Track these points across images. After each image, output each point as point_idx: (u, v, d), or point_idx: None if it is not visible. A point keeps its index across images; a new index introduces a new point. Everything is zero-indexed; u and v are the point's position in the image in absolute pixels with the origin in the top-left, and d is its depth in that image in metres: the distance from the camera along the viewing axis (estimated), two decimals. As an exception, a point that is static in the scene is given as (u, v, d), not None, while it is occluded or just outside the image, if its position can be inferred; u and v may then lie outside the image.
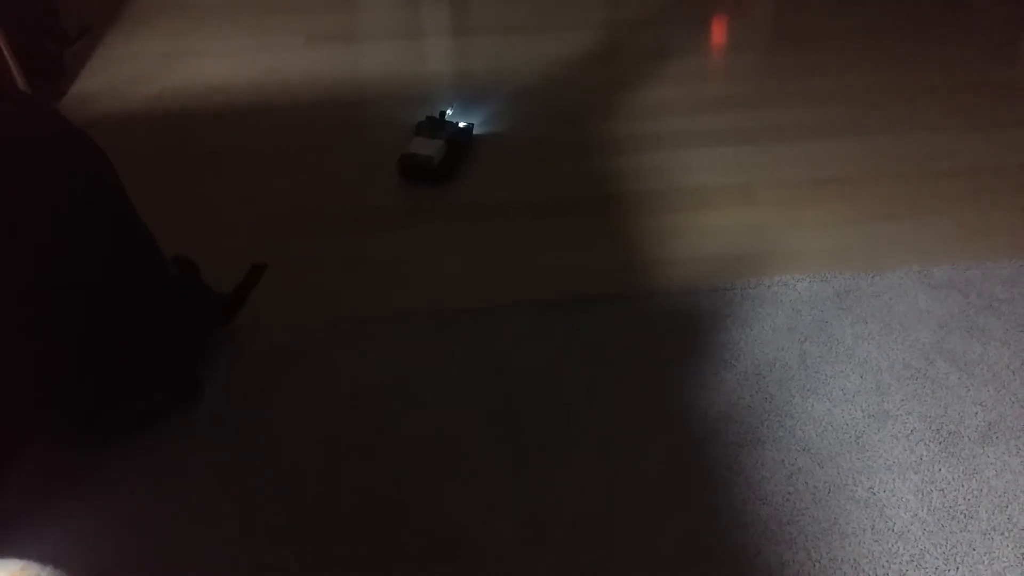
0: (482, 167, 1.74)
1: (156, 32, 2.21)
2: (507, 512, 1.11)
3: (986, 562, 1.06)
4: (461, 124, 1.77)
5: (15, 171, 1.00)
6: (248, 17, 2.28)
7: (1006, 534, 1.09)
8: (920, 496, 1.13)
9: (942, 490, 1.14)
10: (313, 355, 1.32)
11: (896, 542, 1.08)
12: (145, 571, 1.04)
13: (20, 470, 1.12)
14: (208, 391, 1.26)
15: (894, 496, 1.13)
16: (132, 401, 1.19)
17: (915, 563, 1.05)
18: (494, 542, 1.07)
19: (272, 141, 1.82)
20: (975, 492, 1.13)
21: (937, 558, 1.06)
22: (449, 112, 1.78)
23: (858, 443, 1.19)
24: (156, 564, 1.05)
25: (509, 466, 1.16)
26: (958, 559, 1.06)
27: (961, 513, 1.11)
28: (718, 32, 2.27)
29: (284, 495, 1.13)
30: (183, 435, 1.20)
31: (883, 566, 1.05)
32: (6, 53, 1.81)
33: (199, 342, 1.31)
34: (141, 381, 1.19)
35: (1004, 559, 1.06)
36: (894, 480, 1.15)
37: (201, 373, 1.27)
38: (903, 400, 1.25)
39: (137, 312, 1.18)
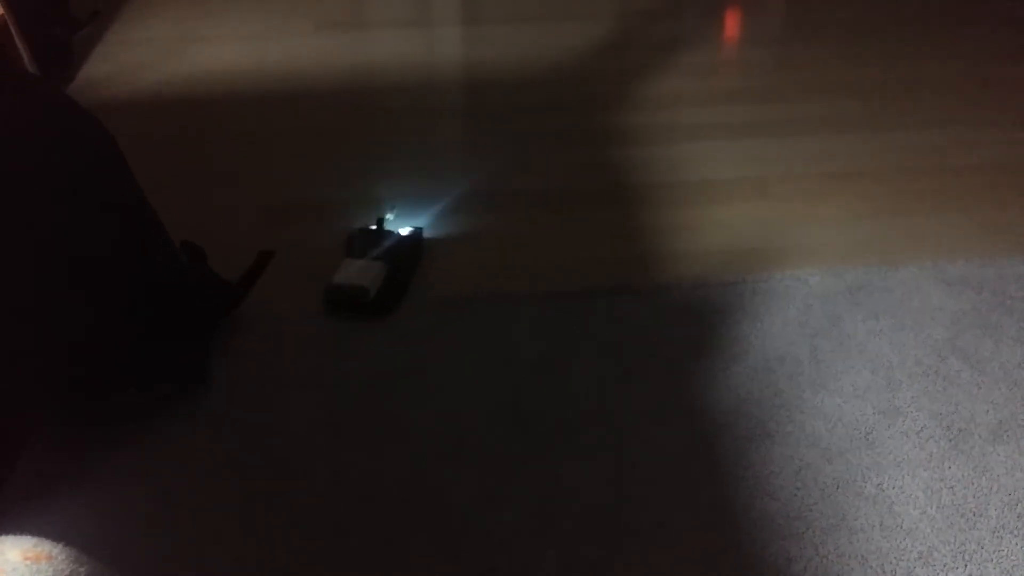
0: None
1: (164, 18, 2.20)
2: (514, 504, 1.10)
3: (995, 560, 1.05)
4: (405, 231, 1.44)
5: (22, 151, 1.00)
6: (256, 3, 2.27)
7: (1016, 532, 1.08)
8: (929, 493, 1.12)
9: (952, 487, 1.13)
10: (320, 344, 1.32)
11: (904, 539, 1.07)
12: (151, 555, 1.04)
13: (27, 455, 1.12)
14: (214, 379, 1.26)
15: (903, 493, 1.12)
16: (138, 390, 1.19)
17: (923, 560, 1.05)
18: (501, 534, 1.07)
19: (280, 128, 1.81)
20: (985, 490, 1.13)
21: (946, 555, 1.05)
22: (390, 217, 1.43)
23: (868, 439, 1.19)
24: (162, 549, 1.05)
25: (517, 458, 1.16)
26: (967, 557, 1.05)
27: (970, 511, 1.10)
28: (731, 24, 2.25)
29: (288, 486, 1.13)
30: (189, 423, 1.20)
31: (891, 563, 1.05)
32: (16, 37, 1.81)
33: (206, 329, 1.31)
34: (147, 368, 1.19)
35: (1013, 557, 1.05)
36: (903, 477, 1.14)
37: (207, 361, 1.27)
38: (914, 397, 1.25)
39: (144, 297, 1.18)
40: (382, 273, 1.37)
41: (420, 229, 1.47)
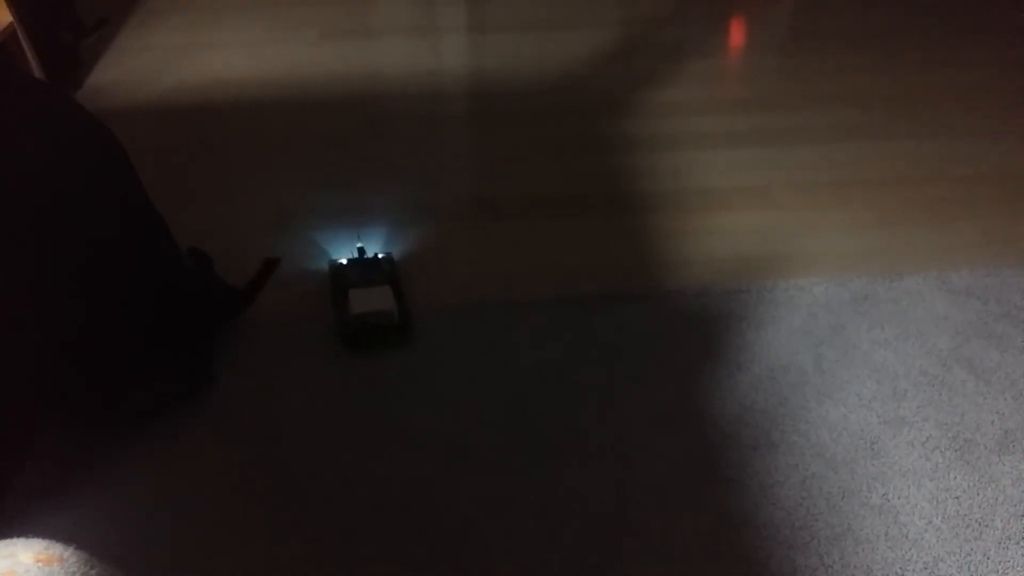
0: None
1: (171, 25, 2.21)
2: (517, 509, 1.10)
3: (1000, 571, 1.05)
4: (380, 255, 1.44)
5: (27, 154, 1.00)
6: (263, 11, 2.29)
7: (1021, 543, 1.08)
8: (935, 504, 1.12)
9: (957, 498, 1.13)
10: (324, 350, 1.32)
11: (910, 549, 1.07)
12: (159, 556, 1.04)
13: (37, 459, 1.12)
14: (220, 383, 1.26)
15: (908, 503, 1.12)
16: (144, 391, 1.19)
17: (929, 571, 1.05)
18: (503, 539, 1.07)
19: (286, 135, 1.82)
20: (991, 501, 1.12)
21: (951, 566, 1.05)
22: (360, 245, 1.44)
23: (873, 449, 1.18)
24: (169, 551, 1.05)
25: (520, 463, 1.16)
26: (972, 568, 1.05)
27: (976, 521, 1.10)
28: (736, 32, 2.26)
29: (292, 489, 1.13)
30: (195, 427, 1.20)
31: (896, 573, 1.04)
32: (24, 44, 1.82)
33: (212, 334, 1.31)
34: (153, 372, 1.19)
35: (1019, 568, 1.05)
36: (909, 487, 1.14)
37: (213, 365, 1.27)
38: (919, 407, 1.24)
39: (150, 302, 1.18)
40: (392, 296, 1.34)
41: (390, 254, 1.47)
